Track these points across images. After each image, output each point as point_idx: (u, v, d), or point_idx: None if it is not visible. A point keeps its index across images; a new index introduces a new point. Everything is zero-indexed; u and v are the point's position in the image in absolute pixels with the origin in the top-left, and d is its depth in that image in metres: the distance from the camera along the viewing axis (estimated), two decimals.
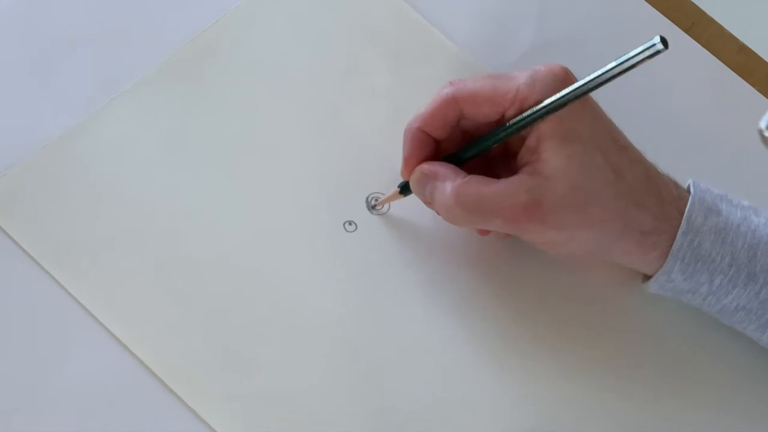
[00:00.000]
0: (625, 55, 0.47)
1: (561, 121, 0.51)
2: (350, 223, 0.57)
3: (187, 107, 0.59)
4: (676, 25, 0.66)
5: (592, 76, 0.49)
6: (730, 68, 0.66)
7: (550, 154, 0.50)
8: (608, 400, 0.55)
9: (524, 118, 0.51)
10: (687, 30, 0.66)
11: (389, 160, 0.56)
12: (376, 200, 0.57)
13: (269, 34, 0.62)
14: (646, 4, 0.67)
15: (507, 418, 0.54)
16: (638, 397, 0.55)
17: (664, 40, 0.46)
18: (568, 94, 0.50)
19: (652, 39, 0.46)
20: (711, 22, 0.67)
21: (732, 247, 0.52)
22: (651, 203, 0.52)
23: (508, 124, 0.52)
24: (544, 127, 0.51)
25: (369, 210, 0.58)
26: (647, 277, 0.55)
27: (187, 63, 0.60)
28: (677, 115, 0.64)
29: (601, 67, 0.49)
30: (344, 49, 0.62)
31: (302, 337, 0.54)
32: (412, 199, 0.56)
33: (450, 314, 0.56)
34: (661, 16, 0.66)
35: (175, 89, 0.59)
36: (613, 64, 0.48)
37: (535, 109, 0.51)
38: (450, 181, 0.52)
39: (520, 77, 0.52)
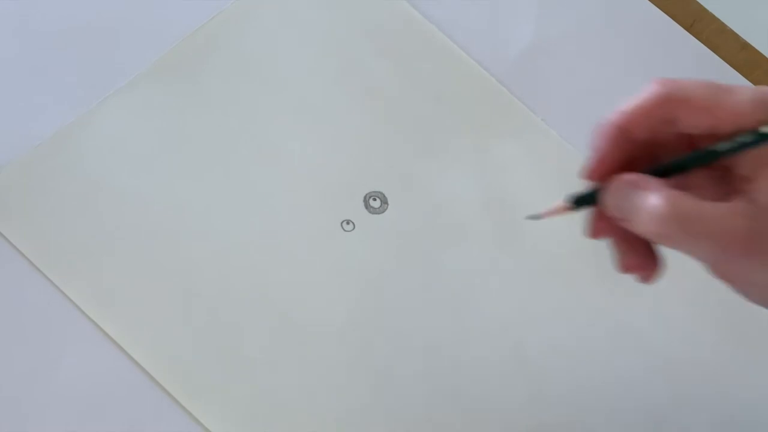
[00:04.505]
0: None
1: None
2: (348, 223, 0.57)
3: (182, 105, 0.59)
4: (677, 22, 0.66)
5: None
6: (732, 66, 0.65)
7: None
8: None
9: (740, 144, 0.45)
10: (688, 28, 0.66)
11: (387, 159, 0.56)
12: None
13: (266, 32, 0.61)
14: (647, 1, 0.66)
15: (507, 419, 0.53)
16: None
17: None
18: None
19: None
20: (712, 19, 0.66)
21: None
22: None
23: (719, 149, 0.46)
24: (763, 152, 0.45)
25: (367, 209, 0.57)
26: None
27: (183, 61, 0.60)
28: None
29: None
30: (342, 46, 0.62)
31: (298, 337, 0.54)
32: (411, 200, 0.56)
33: (447, 313, 0.55)
34: (662, 13, 0.66)
35: (171, 87, 0.59)
36: None
37: (754, 134, 0.45)
38: (662, 193, 0.45)
39: (743, 92, 0.46)
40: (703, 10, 0.67)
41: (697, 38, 0.66)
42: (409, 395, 0.53)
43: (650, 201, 0.46)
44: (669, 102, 0.47)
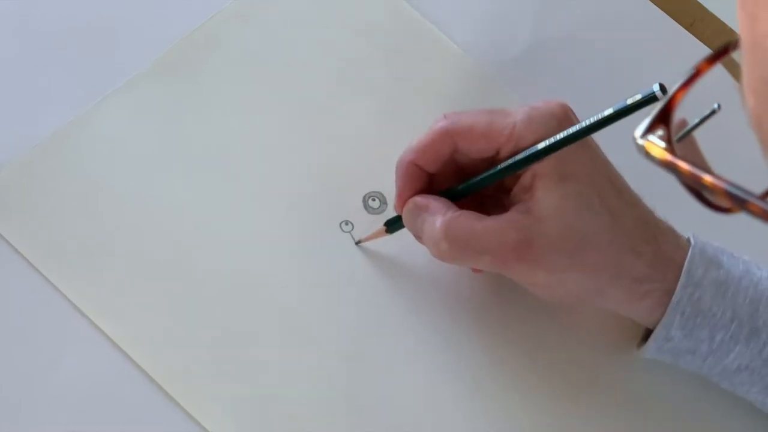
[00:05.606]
0: (622, 101, 0.46)
1: (558, 160, 0.49)
2: (347, 223, 0.57)
3: (182, 105, 0.58)
4: (677, 22, 0.66)
5: (589, 122, 0.47)
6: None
7: (545, 194, 0.49)
8: None
9: (518, 161, 0.49)
10: (688, 27, 0.66)
11: (386, 159, 0.56)
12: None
13: (266, 32, 0.61)
14: (647, 1, 0.66)
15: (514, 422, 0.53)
16: None
17: (663, 88, 0.44)
18: (564, 138, 0.48)
19: (651, 86, 0.45)
20: (713, 19, 0.66)
21: (733, 302, 0.50)
22: (646, 250, 0.50)
23: (500, 167, 0.50)
24: (541, 165, 0.49)
25: (366, 210, 0.57)
26: (644, 340, 0.53)
27: (182, 60, 0.60)
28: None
29: (600, 112, 0.46)
30: (341, 46, 0.62)
31: (296, 338, 0.53)
32: None
33: (447, 315, 0.55)
34: (662, 13, 0.66)
35: (170, 87, 0.59)
36: (611, 110, 0.46)
37: (529, 152, 0.49)
38: (440, 215, 0.50)
39: (517, 114, 0.50)
40: (703, 10, 0.66)
41: (697, 38, 0.66)
42: (411, 397, 0.53)
43: (431, 224, 0.51)
44: (450, 135, 0.52)
